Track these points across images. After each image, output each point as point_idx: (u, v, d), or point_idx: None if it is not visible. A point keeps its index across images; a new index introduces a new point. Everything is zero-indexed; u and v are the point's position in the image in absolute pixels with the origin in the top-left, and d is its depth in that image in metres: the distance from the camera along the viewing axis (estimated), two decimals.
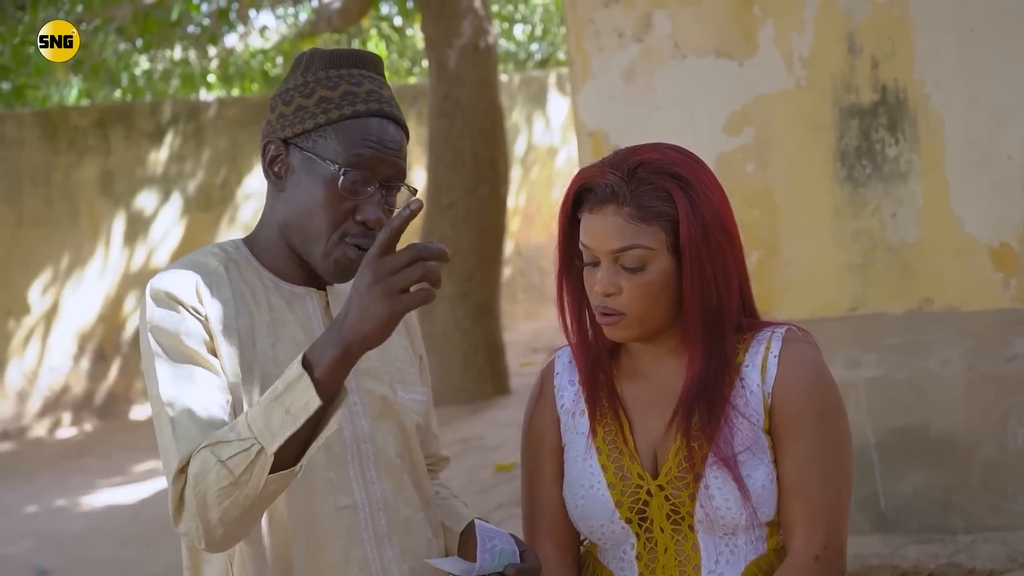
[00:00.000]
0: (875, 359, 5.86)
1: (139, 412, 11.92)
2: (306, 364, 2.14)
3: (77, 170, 11.76)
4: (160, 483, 9.67)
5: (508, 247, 12.30)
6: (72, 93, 15.80)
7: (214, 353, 2.33)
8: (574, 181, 2.43)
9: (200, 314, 2.33)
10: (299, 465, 2.18)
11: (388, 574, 2.39)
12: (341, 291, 2.49)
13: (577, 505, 2.44)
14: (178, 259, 2.45)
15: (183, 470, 2.23)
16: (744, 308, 2.45)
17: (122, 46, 14.02)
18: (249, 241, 2.48)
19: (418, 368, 2.58)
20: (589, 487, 2.43)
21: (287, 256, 2.43)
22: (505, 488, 7.66)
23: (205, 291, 2.35)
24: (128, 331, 12.00)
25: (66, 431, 11.44)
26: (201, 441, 2.22)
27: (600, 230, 2.37)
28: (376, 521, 2.40)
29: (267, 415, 2.16)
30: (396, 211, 2.29)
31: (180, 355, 2.30)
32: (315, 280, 2.45)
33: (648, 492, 2.41)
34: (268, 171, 2.42)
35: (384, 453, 2.44)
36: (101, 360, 11.84)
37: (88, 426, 11.58)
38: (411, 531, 2.44)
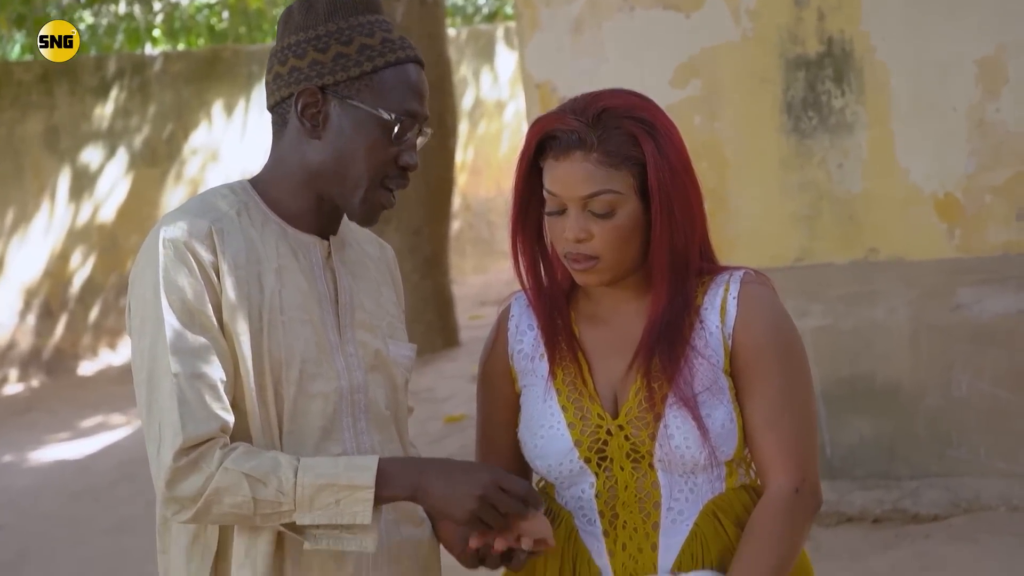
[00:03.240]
0: (821, 309, 5.91)
1: (87, 368, 11.86)
2: (377, 478, 2.28)
3: (21, 126, 11.65)
4: (108, 438, 9.64)
5: (456, 201, 12.27)
6: (15, 49, 15.62)
7: (220, 309, 2.32)
8: (535, 129, 2.43)
9: (214, 267, 2.33)
10: (306, 544, 2.30)
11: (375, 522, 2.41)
12: (344, 239, 2.50)
13: (536, 445, 2.47)
14: (189, 201, 2.44)
15: (188, 452, 2.26)
16: (703, 253, 2.48)
17: (66, 1, 13.87)
18: (258, 184, 2.46)
19: (404, 324, 2.61)
20: (549, 427, 2.46)
21: (304, 201, 2.43)
22: (455, 439, 7.69)
23: (219, 240, 2.34)
24: (75, 287, 11.93)
25: (13, 387, 11.38)
26: (210, 430, 2.26)
27: (568, 177, 2.38)
28: None
29: (317, 491, 2.26)
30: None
31: (193, 322, 2.30)
32: (321, 228, 2.46)
33: (608, 432, 2.43)
34: (300, 119, 2.40)
35: (375, 405, 2.46)
36: (48, 316, 11.76)
37: (35, 382, 11.51)
38: None
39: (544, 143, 2.42)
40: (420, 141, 2.43)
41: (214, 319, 2.32)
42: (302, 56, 2.39)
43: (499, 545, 2.33)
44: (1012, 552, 5.45)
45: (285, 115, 2.43)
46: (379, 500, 2.29)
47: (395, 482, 2.29)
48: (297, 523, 2.29)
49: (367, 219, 2.43)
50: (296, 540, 2.32)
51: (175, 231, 2.34)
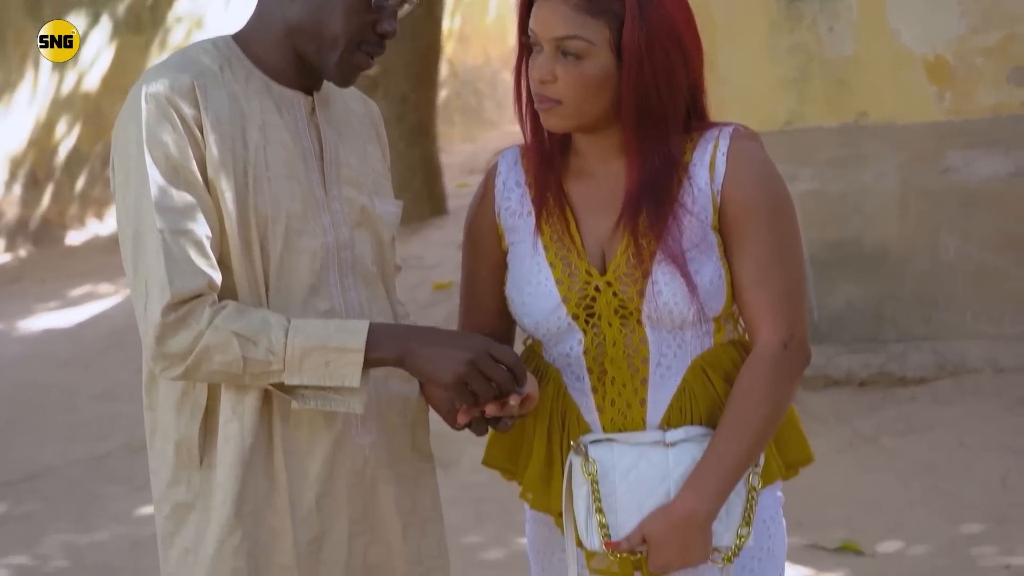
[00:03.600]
0: (810, 173, 5.90)
1: (74, 237, 11.84)
2: (368, 338, 2.27)
3: None
4: (97, 307, 9.65)
5: (444, 69, 12.17)
6: None
7: (205, 165, 2.31)
8: None
9: (197, 122, 2.31)
10: (294, 404, 2.31)
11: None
12: (327, 97, 2.48)
13: (523, 301, 2.46)
14: (171, 56, 2.41)
15: (176, 308, 2.25)
16: (694, 111, 2.45)
17: None
18: (241, 39, 2.44)
19: (390, 181, 2.59)
20: (537, 283, 2.45)
21: (285, 57, 2.41)
22: (443, 306, 7.72)
23: (202, 95, 2.32)
24: (60, 156, 11.87)
25: (1, 257, 11.37)
26: (198, 285, 2.25)
27: (546, 16, 2.37)
28: None
29: (307, 351, 2.26)
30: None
31: (177, 177, 2.29)
32: (304, 84, 2.44)
33: (596, 288, 2.43)
34: None
35: (362, 261, 2.46)
36: (34, 186, 11.71)
37: (23, 252, 11.49)
38: None
39: None
40: (404, 10, 2.41)
41: (198, 175, 2.30)
42: None
43: (490, 411, 2.33)
44: (997, 414, 5.50)
45: None
46: (368, 363, 2.29)
47: (384, 345, 2.29)
48: (286, 383, 2.29)
49: (343, 80, 2.41)
50: (284, 398, 2.33)
51: (157, 86, 2.31)
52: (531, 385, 2.35)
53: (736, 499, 2.39)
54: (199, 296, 2.27)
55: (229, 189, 2.32)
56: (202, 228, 2.28)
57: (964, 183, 5.74)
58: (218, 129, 2.32)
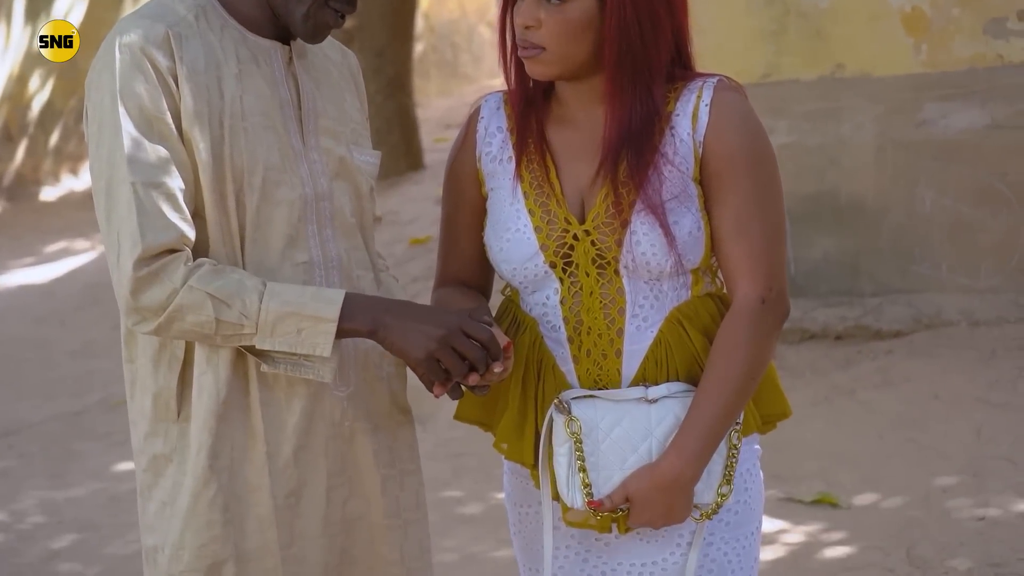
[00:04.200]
0: (787, 126, 5.89)
1: (49, 193, 11.79)
2: (343, 307, 2.27)
3: None
4: (73, 262, 9.62)
5: (420, 23, 12.12)
6: None
7: (179, 115, 2.29)
8: None
9: (172, 72, 2.29)
10: (263, 367, 2.30)
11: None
12: (304, 47, 2.46)
13: (501, 248, 2.45)
14: (144, 5, 2.38)
15: (154, 259, 2.24)
16: (679, 60, 2.44)
17: None
18: None
19: (368, 131, 2.58)
20: (515, 230, 2.44)
21: (258, 6, 2.40)
22: (420, 262, 7.71)
23: (177, 44, 2.30)
24: (34, 111, 11.79)
25: None
26: (169, 238, 2.24)
27: None
28: (330, 278, 2.42)
29: (281, 317, 2.25)
30: None
31: (151, 129, 2.27)
32: (280, 34, 2.42)
33: (575, 237, 2.42)
34: None
35: (340, 212, 2.45)
36: (7, 141, 11.65)
37: None
38: (362, 289, 2.46)
39: None
40: None
41: (173, 127, 2.28)
42: None
43: (471, 380, 2.33)
44: (972, 367, 5.52)
45: None
46: (340, 333, 2.28)
47: (358, 317, 2.29)
48: (257, 347, 2.29)
49: (311, 36, 2.39)
50: (255, 360, 2.32)
51: (132, 36, 2.29)
52: (503, 338, 2.36)
53: (717, 458, 2.39)
54: (172, 251, 2.26)
55: (204, 140, 2.30)
56: (175, 181, 2.27)
57: (941, 135, 5.74)
58: (193, 79, 2.30)
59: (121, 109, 2.27)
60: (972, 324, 5.75)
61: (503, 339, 2.35)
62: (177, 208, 2.26)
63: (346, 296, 2.29)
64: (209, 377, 2.34)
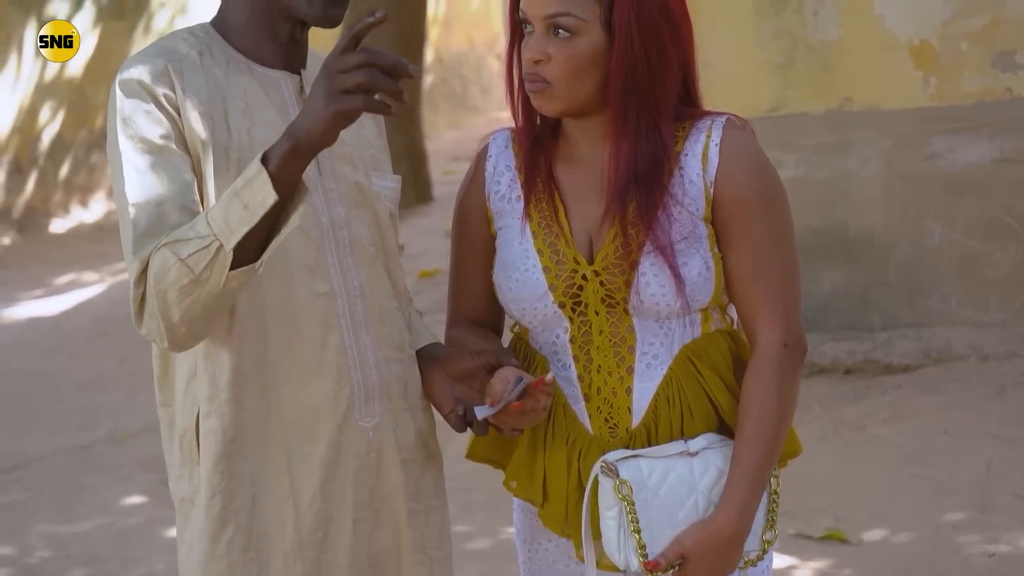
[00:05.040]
0: (795, 159, 5.89)
1: (58, 225, 11.80)
2: (264, 160, 2.14)
3: None
4: (82, 294, 9.63)
5: (428, 55, 12.15)
6: None
7: (186, 144, 2.29)
8: None
9: (172, 103, 2.29)
10: (260, 262, 2.19)
11: (364, 361, 2.39)
12: (315, 75, 2.45)
13: (511, 287, 2.45)
14: (147, 46, 2.40)
15: (144, 272, 2.22)
16: (686, 99, 2.44)
17: None
18: (218, 24, 2.42)
19: (388, 155, 2.57)
20: (524, 270, 2.44)
21: (262, 34, 2.39)
22: (429, 295, 7.70)
23: (177, 78, 2.31)
24: (44, 143, 11.82)
25: None
26: (162, 242, 2.21)
27: None
28: (353, 308, 2.39)
29: (226, 211, 2.16)
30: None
31: (149, 149, 2.27)
32: (289, 63, 2.42)
33: (583, 277, 2.42)
34: None
35: (359, 240, 2.42)
36: (17, 173, 11.67)
37: (7, 240, 11.45)
38: (385, 320, 2.44)
39: None
40: None
41: (175, 150, 2.28)
42: None
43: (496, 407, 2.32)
44: (982, 401, 5.50)
45: None
46: (275, 177, 2.14)
47: (275, 148, 2.15)
48: (231, 250, 2.17)
49: (330, 19, 2.36)
50: (253, 272, 2.22)
51: (130, 72, 2.31)
52: (544, 402, 2.35)
53: (759, 504, 2.40)
54: None
55: (211, 171, 2.30)
56: (170, 197, 2.25)
57: (949, 169, 5.73)
58: (198, 109, 2.30)
59: (123, 139, 2.28)
60: (981, 358, 5.74)
61: (544, 376, 2.33)
62: (173, 223, 2.24)
63: (264, 151, 2.18)
64: (213, 420, 2.33)
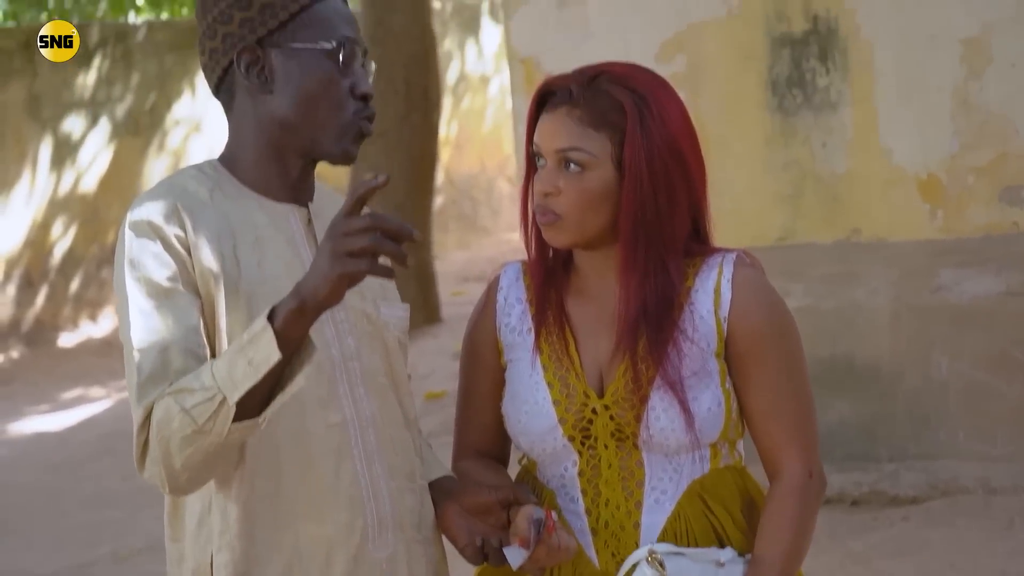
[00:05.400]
0: (803, 289, 5.90)
1: (67, 339, 11.83)
2: (271, 316, 2.16)
3: (3, 93, 11.58)
4: (88, 410, 9.62)
5: (439, 176, 12.24)
6: None
7: (195, 285, 2.30)
8: (540, 85, 2.46)
9: (182, 242, 2.30)
10: (263, 417, 2.20)
11: (377, 491, 2.38)
12: (322, 207, 2.48)
13: (520, 420, 2.46)
14: (156, 184, 2.42)
15: (147, 419, 2.23)
16: (696, 235, 2.47)
17: None
18: (226, 160, 2.44)
19: (395, 284, 2.57)
20: (534, 403, 2.45)
21: (272, 171, 2.41)
22: (435, 417, 7.68)
23: (187, 217, 2.32)
24: (55, 257, 11.88)
25: None
26: (166, 391, 2.22)
27: (550, 129, 2.40)
28: (365, 438, 2.39)
29: (231, 365, 2.18)
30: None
31: (155, 292, 2.28)
32: (297, 196, 2.44)
33: (593, 411, 2.43)
34: (247, 79, 2.38)
35: (370, 371, 2.43)
36: (28, 286, 11.71)
37: (15, 353, 11.47)
38: (397, 449, 2.44)
39: (545, 98, 2.44)
40: (371, 68, 2.42)
41: (182, 289, 2.29)
42: (229, 21, 2.38)
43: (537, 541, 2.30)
44: (989, 536, 5.46)
45: (232, 86, 2.41)
46: (281, 335, 2.15)
47: (282, 305, 2.17)
48: (234, 404, 2.18)
49: (347, 156, 2.41)
50: (253, 428, 2.23)
51: (140, 212, 2.33)
52: (565, 541, 2.33)
53: None
54: None
55: (223, 307, 2.31)
56: (175, 343, 2.26)
57: (956, 301, 5.74)
58: (208, 247, 2.31)
59: (130, 281, 2.29)
60: (989, 492, 5.71)
61: (557, 520, 2.33)
62: (178, 369, 2.25)
63: (269, 312, 2.18)
64: (225, 554, 2.32)
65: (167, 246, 2.30)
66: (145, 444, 2.24)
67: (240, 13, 2.37)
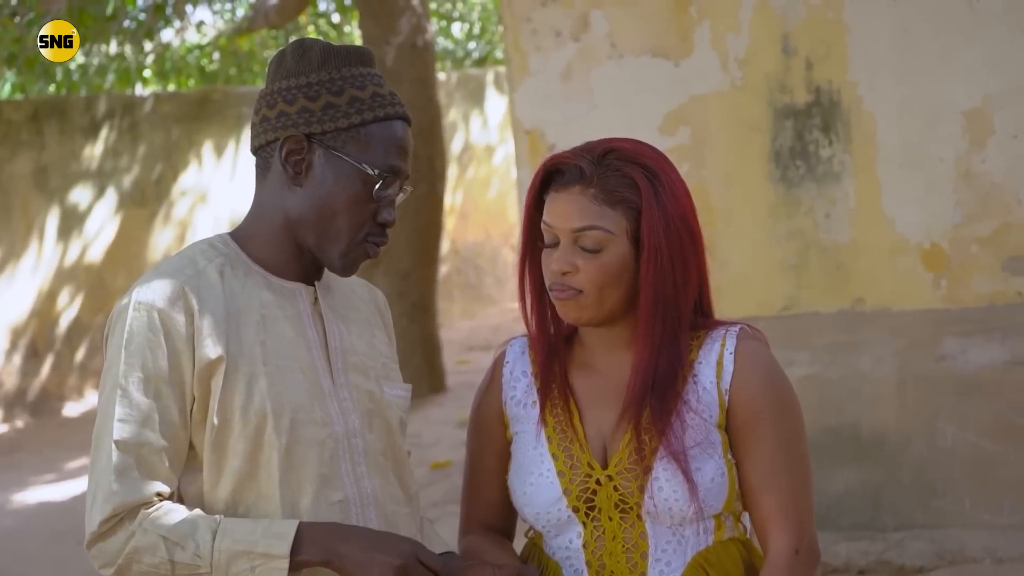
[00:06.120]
0: (808, 358, 5.91)
1: (72, 409, 11.82)
2: (297, 541, 2.24)
3: (10, 164, 11.64)
4: None
5: (445, 245, 12.28)
6: (5, 87, 15.64)
7: (189, 376, 2.31)
8: (545, 162, 2.47)
9: (186, 330, 2.32)
10: None
11: None
12: (329, 285, 2.50)
13: (525, 492, 2.47)
14: (166, 261, 2.42)
15: (117, 517, 2.26)
16: (701, 308, 2.48)
17: None
18: (239, 236, 2.46)
19: (397, 364, 2.60)
20: (539, 475, 2.46)
21: (284, 251, 2.43)
22: (440, 486, 7.67)
23: (195, 301, 2.34)
24: (61, 327, 11.90)
25: None
26: (142, 497, 2.26)
27: (563, 209, 2.41)
28: (367, 515, 2.42)
29: (234, 557, 2.24)
30: None
31: (148, 389, 2.30)
32: (305, 275, 2.46)
33: (597, 482, 2.44)
34: (283, 165, 2.40)
35: (372, 449, 2.45)
36: (34, 356, 11.73)
37: (20, 423, 11.47)
38: (398, 526, 2.46)
39: (551, 177, 2.45)
40: (400, 197, 2.43)
41: (175, 387, 2.31)
42: (291, 102, 2.39)
43: None
44: None
45: (269, 159, 2.43)
46: (295, 566, 2.27)
47: (312, 548, 2.27)
48: None
49: (345, 270, 2.43)
50: None
51: (147, 293, 2.34)
52: None
53: None
54: (143, 504, 2.28)
55: (219, 385, 2.32)
56: (160, 442, 2.29)
57: (961, 370, 5.75)
58: (213, 328, 2.33)
59: (123, 366, 2.30)
60: (996, 561, 5.69)
61: None
62: (154, 469, 2.28)
63: (299, 528, 2.27)
64: None
65: (168, 336, 2.31)
66: (103, 536, 2.27)
67: (304, 101, 2.38)
